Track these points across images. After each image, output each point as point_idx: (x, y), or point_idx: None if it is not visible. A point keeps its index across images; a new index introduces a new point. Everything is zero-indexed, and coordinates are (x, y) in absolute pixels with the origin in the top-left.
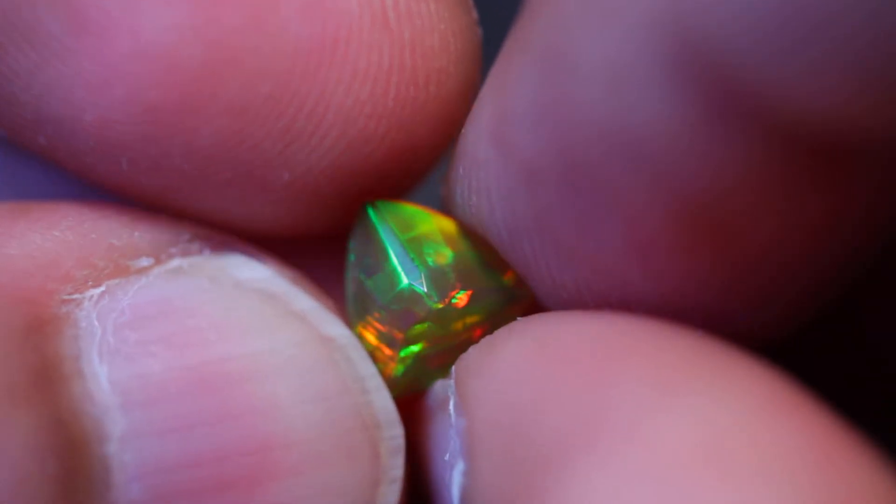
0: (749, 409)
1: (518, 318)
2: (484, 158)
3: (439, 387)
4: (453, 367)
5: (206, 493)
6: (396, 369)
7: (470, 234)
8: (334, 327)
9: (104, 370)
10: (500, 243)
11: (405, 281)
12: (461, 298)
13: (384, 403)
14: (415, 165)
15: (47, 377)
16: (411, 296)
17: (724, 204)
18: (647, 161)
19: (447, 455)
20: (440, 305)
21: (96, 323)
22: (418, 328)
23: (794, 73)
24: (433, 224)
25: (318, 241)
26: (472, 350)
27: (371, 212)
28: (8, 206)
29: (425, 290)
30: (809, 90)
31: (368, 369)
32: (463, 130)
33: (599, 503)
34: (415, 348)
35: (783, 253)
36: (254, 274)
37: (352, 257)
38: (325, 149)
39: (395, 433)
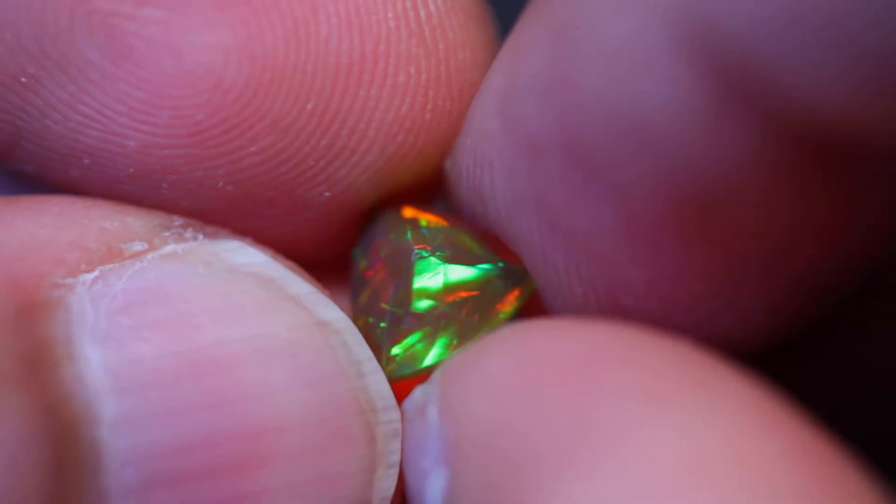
0: (734, 424)
1: (506, 326)
2: (490, 130)
3: (419, 392)
4: (436, 373)
5: (199, 478)
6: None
7: (469, 225)
8: (330, 311)
9: (96, 354)
10: (497, 218)
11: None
12: (446, 252)
13: (380, 387)
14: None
15: (38, 361)
16: (400, 246)
17: (725, 198)
18: (652, 145)
19: (425, 460)
20: (425, 250)
21: (89, 307)
22: (403, 293)
23: (814, 71)
24: (433, 214)
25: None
26: (458, 356)
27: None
28: None
29: (411, 240)
30: (827, 89)
31: (364, 353)
32: (473, 102)
33: None
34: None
35: (784, 256)
36: (249, 259)
37: (357, 261)
38: (366, 164)
39: (391, 417)
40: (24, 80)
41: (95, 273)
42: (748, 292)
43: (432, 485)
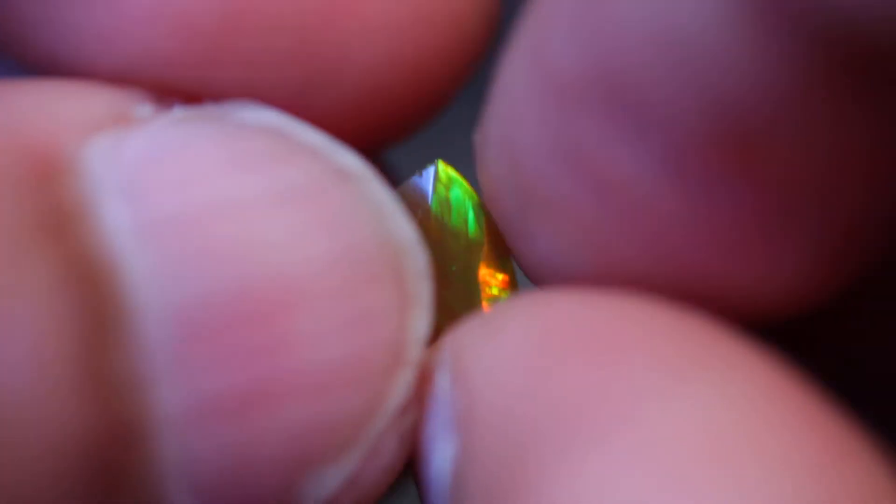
0: (748, 398)
1: (522, 295)
2: (518, 84)
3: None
4: (444, 340)
5: (234, 327)
6: None
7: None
8: (348, 159)
9: (118, 213)
10: (527, 184)
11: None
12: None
13: (404, 229)
14: (428, 108)
15: (60, 222)
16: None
17: (767, 126)
18: (691, 68)
19: (431, 425)
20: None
21: (104, 169)
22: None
23: None
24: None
25: None
26: (469, 323)
27: None
28: None
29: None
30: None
31: (385, 197)
32: (502, 60)
33: (597, 481)
34: None
35: (828, 197)
36: (259, 115)
37: None
38: (346, 98)
39: (418, 257)
40: None
41: (107, 137)
42: (793, 240)
43: (440, 453)
